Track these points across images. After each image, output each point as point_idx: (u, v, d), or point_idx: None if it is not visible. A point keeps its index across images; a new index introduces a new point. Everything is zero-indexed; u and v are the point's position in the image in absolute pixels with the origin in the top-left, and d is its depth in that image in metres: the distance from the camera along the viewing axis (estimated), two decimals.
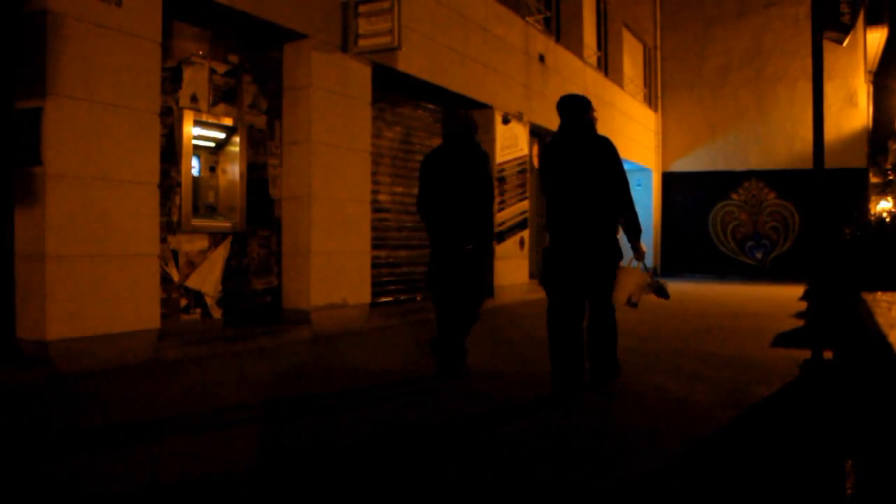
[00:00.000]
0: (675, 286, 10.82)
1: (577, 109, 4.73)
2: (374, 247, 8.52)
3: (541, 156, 4.98)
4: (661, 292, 4.86)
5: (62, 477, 3.00)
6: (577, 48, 14.04)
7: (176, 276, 6.39)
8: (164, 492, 2.86)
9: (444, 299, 5.01)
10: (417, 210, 5.28)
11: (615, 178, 4.52)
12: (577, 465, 3.23)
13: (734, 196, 18.58)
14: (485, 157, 5.17)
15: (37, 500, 2.79)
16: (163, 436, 3.65)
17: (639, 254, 4.68)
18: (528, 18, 11.92)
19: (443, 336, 4.99)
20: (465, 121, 5.19)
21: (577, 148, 4.61)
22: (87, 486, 2.90)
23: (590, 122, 4.74)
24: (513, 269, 11.30)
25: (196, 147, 6.63)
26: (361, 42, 7.58)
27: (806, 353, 5.51)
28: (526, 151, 11.89)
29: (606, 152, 4.55)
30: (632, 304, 4.75)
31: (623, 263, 4.65)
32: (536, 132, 12.79)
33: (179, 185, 6.39)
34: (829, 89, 16.56)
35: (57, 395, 4.47)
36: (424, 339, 5.96)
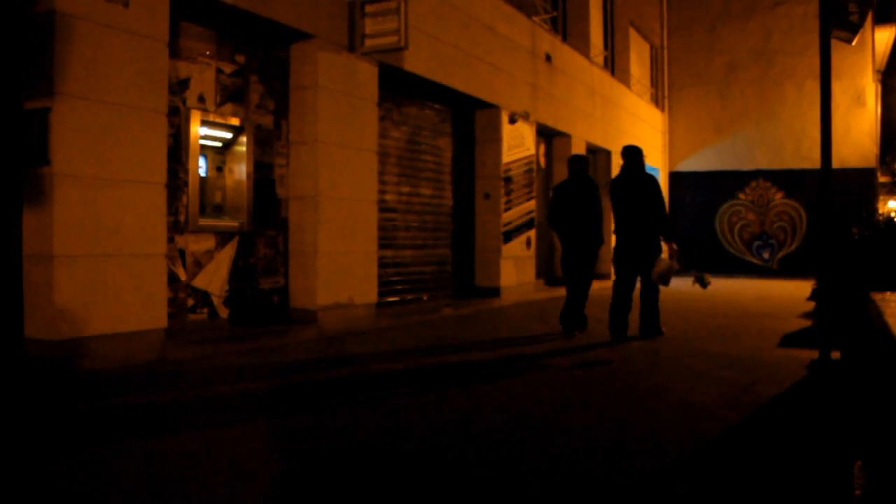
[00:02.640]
0: (680, 286, 10.90)
1: (638, 156, 7.24)
2: (381, 246, 8.53)
3: (611, 185, 7.37)
4: (702, 282, 7.59)
5: (69, 475, 3.01)
6: (583, 48, 14.02)
7: (183, 276, 6.41)
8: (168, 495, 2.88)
9: (571, 280, 7.32)
10: (548, 221, 7.69)
11: (659, 202, 7.09)
12: (582, 465, 3.22)
13: (741, 196, 18.52)
14: (597, 188, 7.35)
15: (43, 498, 2.80)
16: (172, 433, 3.66)
17: (672, 251, 7.06)
18: (534, 18, 11.90)
19: (569, 306, 7.32)
20: (583, 162, 7.49)
21: (636, 182, 7.13)
22: (93, 485, 2.92)
23: (643, 165, 7.30)
24: (519, 268, 11.30)
25: (203, 147, 6.65)
26: (368, 42, 7.58)
27: (814, 354, 5.49)
28: (532, 151, 11.87)
29: (655, 186, 7.14)
30: (661, 279, 6.85)
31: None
32: (543, 132, 12.78)
33: (186, 184, 6.40)
34: (837, 89, 16.50)
35: (64, 394, 4.49)
36: (428, 337, 5.96)
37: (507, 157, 10.97)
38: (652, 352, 6.38)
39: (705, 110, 19.20)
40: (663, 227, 7.13)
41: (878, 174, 18.85)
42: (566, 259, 7.35)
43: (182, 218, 6.38)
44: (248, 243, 7.07)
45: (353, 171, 7.72)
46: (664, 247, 7.05)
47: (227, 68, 6.86)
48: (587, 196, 7.20)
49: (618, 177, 7.36)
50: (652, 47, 19.17)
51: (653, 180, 7.15)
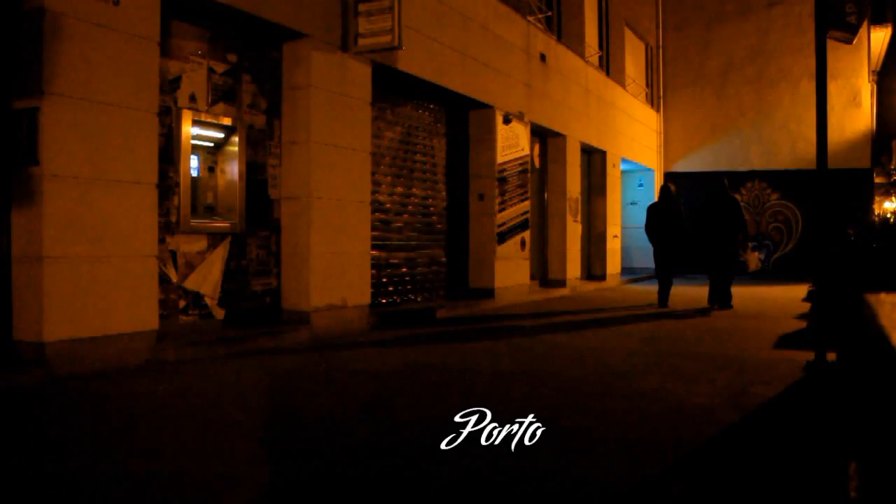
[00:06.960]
0: (676, 288, 10.99)
1: (725, 185, 10.29)
2: (374, 248, 8.48)
3: (703, 202, 10.38)
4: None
5: (59, 479, 2.97)
6: (578, 47, 14.00)
7: (174, 277, 6.35)
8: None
9: (662, 273, 10.67)
10: (646, 232, 10.71)
11: (740, 217, 10.09)
12: (578, 466, 3.19)
13: (737, 196, 18.48)
14: (678, 205, 10.60)
15: (34, 500, 2.76)
16: (160, 439, 3.61)
17: (749, 250, 10.23)
18: (529, 17, 11.88)
19: (662, 289, 10.62)
20: (669, 188, 10.86)
21: (722, 202, 10.14)
22: (83, 487, 2.87)
23: (727, 189, 10.31)
24: (513, 270, 11.26)
25: (195, 147, 6.60)
26: (361, 41, 7.54)
27: (809, 355, 5.46)
28: (527, 151, 11.84)
29: (737, 204, 10.14)
30: (758, 267, 10.58)
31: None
32: (537, 132, 12.75)
33: (178, 185, 6.35)
34: (833, 89, 16.51)
35: (54, 396, 4.43)
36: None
37: (501, 158, 10.94)
38: (651, 352, 6.35)
39: (701, 110, 19.19)
40: (745, 234, 10.26)
41: (874, 175, 18.86)
42: (658, 259, 10.67)
43: (173, 219, 6.33)
44: (241, 244, 7.01)
45: (346, 172, 7.67)
46: (748, 245, 10.31)
47: (219, 68, 6.80)
48: (673, 213, 10.44)
49: (710, 196, 10.31)
50: (647, 47, 19.16)
51: (736, 200, 10.26)
